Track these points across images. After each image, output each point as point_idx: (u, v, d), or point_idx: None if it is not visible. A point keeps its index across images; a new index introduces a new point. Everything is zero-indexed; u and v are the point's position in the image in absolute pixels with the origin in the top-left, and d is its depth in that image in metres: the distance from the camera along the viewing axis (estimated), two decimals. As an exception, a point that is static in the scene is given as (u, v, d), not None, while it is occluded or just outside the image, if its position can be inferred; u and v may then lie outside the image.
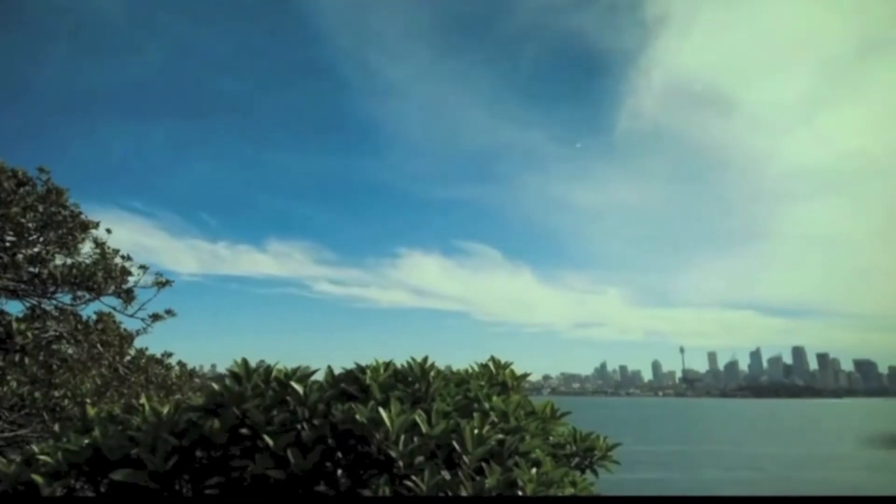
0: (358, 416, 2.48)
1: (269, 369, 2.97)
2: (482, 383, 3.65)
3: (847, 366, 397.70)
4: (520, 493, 2.30)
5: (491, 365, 3.83)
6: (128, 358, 10.24)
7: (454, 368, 3.86)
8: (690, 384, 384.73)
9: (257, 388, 2.84)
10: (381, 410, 2.44)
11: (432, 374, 3.02)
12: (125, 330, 10.28)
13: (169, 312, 10.67)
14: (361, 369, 3.06)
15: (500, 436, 2.61)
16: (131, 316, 10.42)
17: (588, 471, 3.70)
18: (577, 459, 3.73)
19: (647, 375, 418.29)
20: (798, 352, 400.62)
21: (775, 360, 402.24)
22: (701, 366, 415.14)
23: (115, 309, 10.24)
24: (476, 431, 2.54)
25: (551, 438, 3.71)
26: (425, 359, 3.15)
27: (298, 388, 2.78)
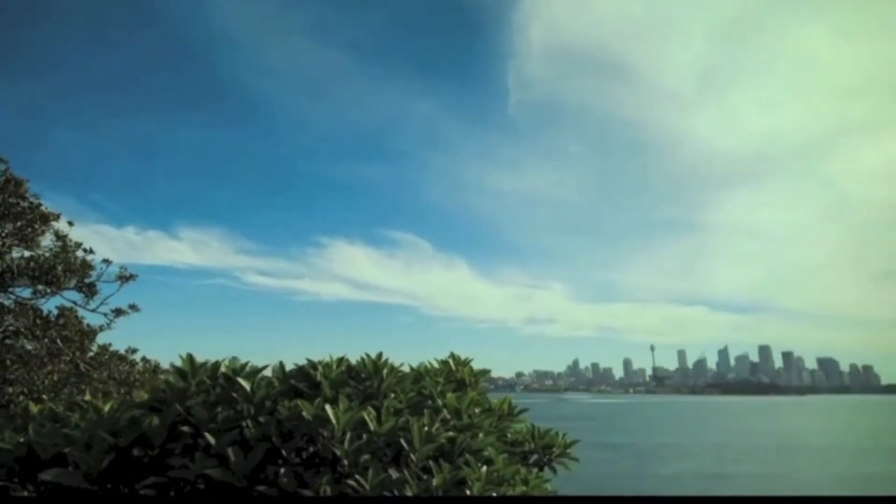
0: (305, 414, 2.40)
1: (216, 365, 2.87)
2: (440, 380, 3.61)
3: (811, 364, 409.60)
4: (468, 491, 2.25)
5: (451, 361, 3.78)
6: (90, 354, 9.94)
7: (414, 365, 3.82)
8: (660, 381, 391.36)
9: (202, 384, 2.74)
10: (328, 407, 2.37)
11: (385, 370, 2.96)
12: (88, 325, 9.97)
13: (133, 308, 10.40)
14: (313, 365, 2.98)
15: (451, 433, 2.56)
16: (93, 311, 10.14)
17: (547, 468, 3.70)
18: (535, 457, 3.72)
19: (619, 373, 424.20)
20: (764, 350, 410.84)
21: (742, 358, 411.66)
22: (671, 363, 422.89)
23: (76, 303, 9.94)
24: (426, 429, 2.49)
25: (509, 436, 3.69)
26: (379, 355, 3.08)
27: (245, 384, 2.69)
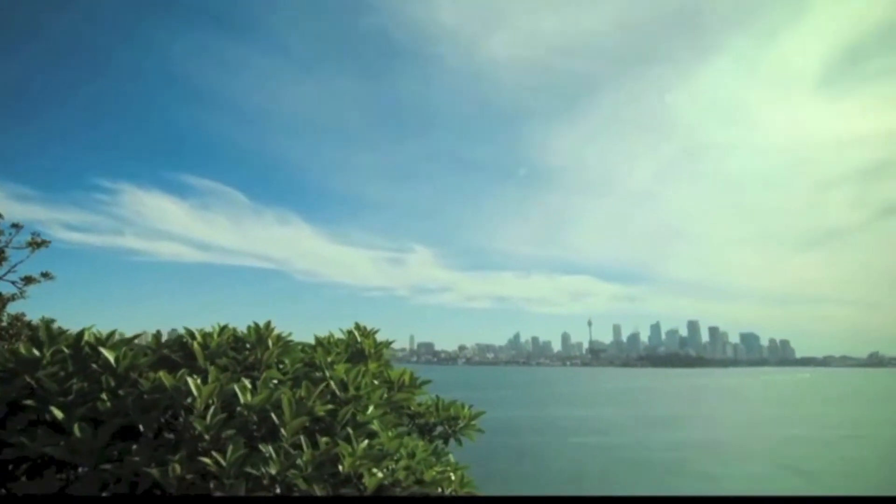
0: (168, 385, 2.20)
1: (80, 334, 2.61)
2: (339, 350, 3.46)
3: (734, 339, 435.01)
4: (340, 467, 2.13)
5: (356, 332, 3.63)
6: (2, 324, 9.22)
7: (319, 335, 3.65)
8: (596, 355, 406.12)
9: (58, 354, 2.48)
10: (189, 378, 2.17)
11: (271, 340, 2.77)
12: (-2, 294, 9.22)
13: (46, 275, 9.68)
14: (191, 334, 2.76)
15: (331, 406, 2.42)
16: (1, 278, 9.35)
17: (452, 440, 3.64)
18: (440, 429, 3.64)
19: (557, 346, 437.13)
20: (693, 325, 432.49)
21: (672, 333, 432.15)
22: (607, 337, 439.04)
23: (-21, 271, 9.14)
24: (310, 402, 2.34)
25: (412, 408, 3.59)
26: (267, 323, 2.89)
27: (109, 354, 2.44)
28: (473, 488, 3.16)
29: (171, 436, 2.27)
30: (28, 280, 9.52)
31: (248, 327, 2.85)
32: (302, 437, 2.14)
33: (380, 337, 3.72)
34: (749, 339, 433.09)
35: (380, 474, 2.31)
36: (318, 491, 1.92)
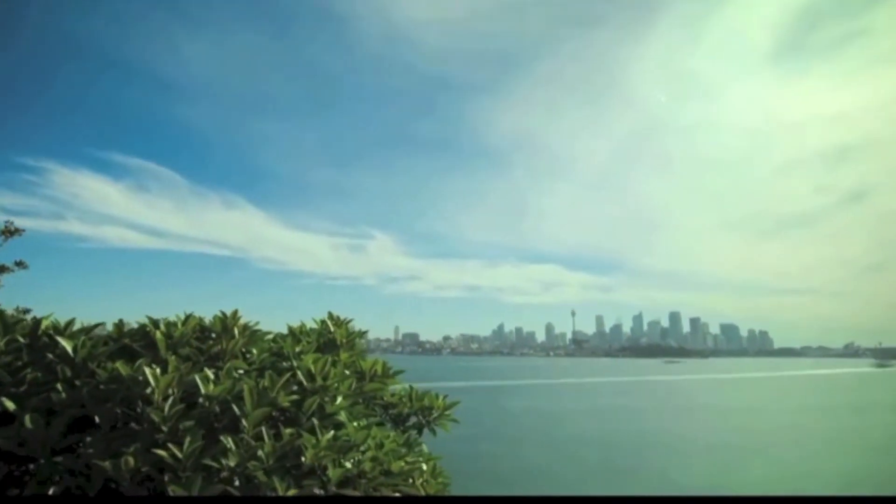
0: (124, 375, 2.13)
1: (37, 322, 2.52)
2: (310, 340, 3.40)
3: (715, 329, 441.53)
4: (303, 458, 2.08)
5: (329, 322, 3.58)
6: None
7: (293, 325, 3.59)
8: (579, 345, 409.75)
9: (13, 343, 2.39)
10: (147, 368, 2.10)
11: (237, 329, 2.71)
12: (-31, 283, 9.00)
13: (20, 265, 9.47)
14: (155, 323, 2.68)
15: (295, 396, 2.36)
16: (-35, 267, 9.11)
17: (427, 430, 3.61)
18: (414, 419, 3.61)
19: (542, 337, 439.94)
20: (674, 316, 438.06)
21: (654, 324, 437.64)
22: (590, 328, 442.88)
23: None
24: (273, 392, 2.28)
25: (385, 398, 3.55)
26: (234, 313, 2.83)
27: (67, 344, 2.36)
28: (446, 479, 3.13)
29: (134, 425, 2.21)
30: (1, 269, 9.31)
31: (215, 317, 2.78)
32: (263, 429, 2.08)
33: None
34: (729, 329, 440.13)
35: (348, 464, 2.27)
36: (278, 484, 1.87)
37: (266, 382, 2.26)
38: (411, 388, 3.61)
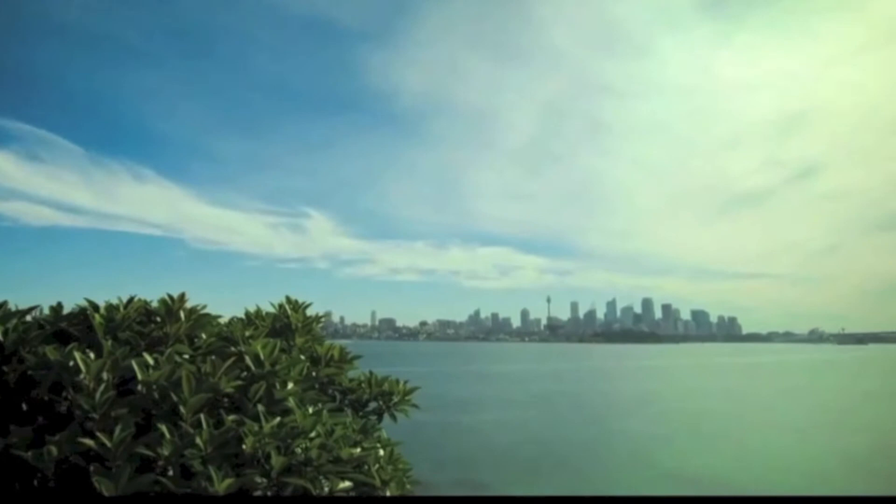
0: (52, 360, 2.01)
1: (-35, 305, 2.38)
2: (265, 325, 3.30)
3: (686, 315, 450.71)
4: (244, 447, 2.00)
5: (286, 306, 3.48)
6: None
7: (249, 310, 3.49)
8: (553, 331, 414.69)
9: (-64, 327, 2.25)
10: (77, 353, 1.99)
11: (183, 312, 2.60)
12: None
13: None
14: (95, 306, 2.56)
15: (240, 382, 2.27)
16: None
17: (387, 416, 3.55)
18: (374, 405, 3.54)
19: (517, 322, 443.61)
20: (647, 302, 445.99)
21: (627, 310, 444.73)
22: (565, 314, 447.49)
23: None
24: (215, 378, 2.19)
25: (343, 384, 3.48)
26: (181, 296, 2.71)
27: (-5, 327, 2.23)
28: (405, 465, 3.09)
29: (63, 413, 2.10)
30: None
31: (160, 300, 2.66)
32: (202, 416, 1.99)
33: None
34: (699, 316, 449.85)
35: (299, 449, 2.20)
36: (214, 473, 1.79)
37: (207, 368, 2.16)
38: (371, 373, 3.54)
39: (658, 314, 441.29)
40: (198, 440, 1.89)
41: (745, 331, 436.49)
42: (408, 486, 3.13)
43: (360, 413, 3.49)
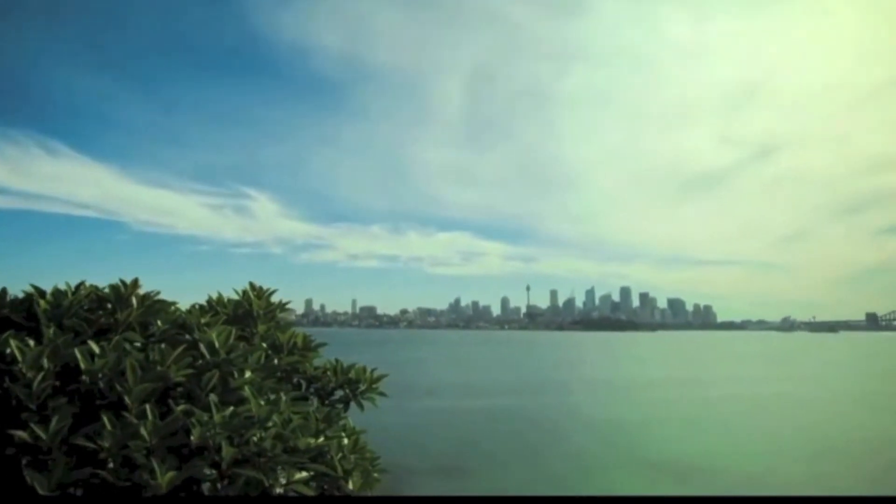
0: (-11, 350, 1.91)
1: None
2: (227, 312, 3.21)
3: (663, 304, 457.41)
4: (191, 438, 1.92)
5: (250, 293, 3.39)
6: None
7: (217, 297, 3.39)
8: (533, 319, 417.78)
9: None
10: (13, 340, 1.89)
11: (135, 299, 2.50)
12: None
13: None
14: (41, 292, 2.45)
15: (191, 370, 2.19)
16: None
17: (354, 404, 3.49)
18: (340, 393, 3.48)
19: (497, 310, 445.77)
20: (625, 291, 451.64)
21: (606, 298, 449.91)
22: (544, 302, 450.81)
23: None
24: (164, 366, 2.11)
25: (309, 372, 3.41)
26: (134, 281, 2.61)
27: (-70, 314, 2.12)
28: (372, 454, 3.04)
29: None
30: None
31: (110, 285, 2.56)
32: (148, 406, 1.91)
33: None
34: (676, 304, 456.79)
35: (255, 438, 2.13)
36: (156, 465, 1.71)
37: (156, 356, 2.08)
38: (336, 360, 3.48)
39: (636, 302, 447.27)
40: (142, 431, 1.81)
41: (720, 319, 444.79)
42: (375, 475, 3.08)
43: (326, 402, 3.43)
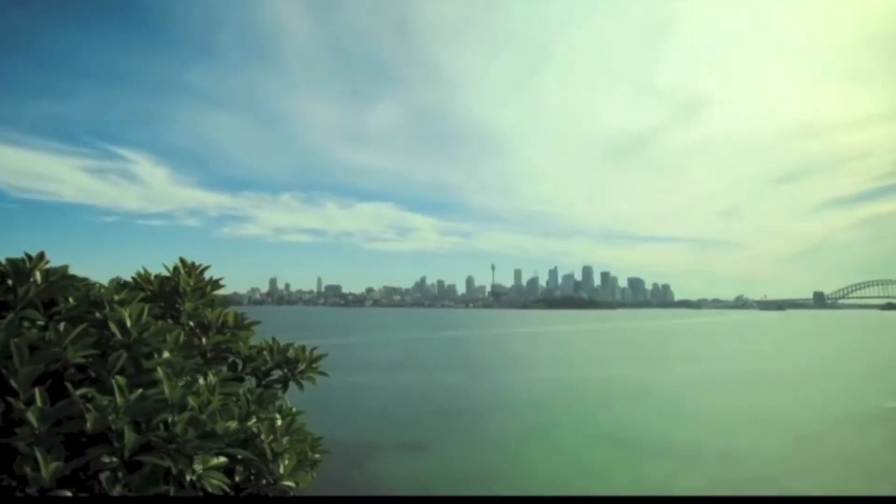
0: None
1: None
2: (152, 289, 3.02)
3: (623, 283, 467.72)
4: (89, 425, 1.77)
5: (181, 268, 3.19)
6: None
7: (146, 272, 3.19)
8: (497, 297, 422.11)
9: None
10: None
11: (39, 274, 2.29)
12: None
13: None
14: (-73, 267, 2.22)
15: (94, 351, 2.02)
16: None
17: (293, 384, 3.36)
18: (278, 373, 3.34)
19: (462, 289, 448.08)
20: (587, 270, 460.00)
21: (568, 277, 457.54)
22: (509, 281, 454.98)
23: None
24: (61, 347, 1.93)
25: (243, 352, 3.26)
26: (40, 255, 2.40)
27: None
28: (307, 434, 2.94)
29: None
30: None
31: (7, 259, 2.34)
32: (37, 391, 1.74)
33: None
34: (635, 283, 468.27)
35: (168, 421, 1.98)
36: (40, 455, 1.56)
37: (52, 335, 1.90)
38: (273, 339, 3.34)
39: (598, 282, 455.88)
40: (30, 417, 1.64)
41: (676, 297, 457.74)
42: (316, 456, 2.98)
43: (264, 382, 3.30)
